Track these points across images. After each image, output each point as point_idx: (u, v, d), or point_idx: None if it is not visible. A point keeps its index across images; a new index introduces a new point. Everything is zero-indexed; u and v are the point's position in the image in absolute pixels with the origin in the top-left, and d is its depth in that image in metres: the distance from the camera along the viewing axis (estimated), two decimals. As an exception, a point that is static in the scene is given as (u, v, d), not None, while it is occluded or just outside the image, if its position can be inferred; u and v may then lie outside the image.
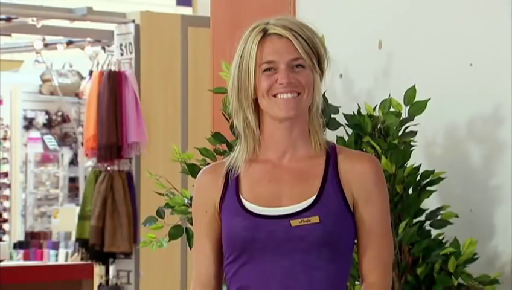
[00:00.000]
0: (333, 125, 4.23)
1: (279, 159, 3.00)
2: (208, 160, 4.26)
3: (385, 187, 3.04)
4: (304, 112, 2.97)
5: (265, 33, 2.94)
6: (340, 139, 4.19)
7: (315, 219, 2.91)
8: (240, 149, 3.01)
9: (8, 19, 9.50)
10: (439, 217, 4.19)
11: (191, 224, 3.54)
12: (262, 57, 2.93)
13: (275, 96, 2.93)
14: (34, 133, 11.04)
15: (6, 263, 7.48)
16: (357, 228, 2.99)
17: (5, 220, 10.81)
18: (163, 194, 4.52)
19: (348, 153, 3.06)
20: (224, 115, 3.89)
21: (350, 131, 4.20)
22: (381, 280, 3.01)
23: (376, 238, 3.01)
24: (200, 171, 3.20)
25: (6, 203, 10.86)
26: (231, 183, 3.00)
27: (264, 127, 2.99)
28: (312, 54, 2.95)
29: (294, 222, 2.91)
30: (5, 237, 10.55)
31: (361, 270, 3.03)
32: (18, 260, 9.06)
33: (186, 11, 11.76)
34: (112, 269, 8.29)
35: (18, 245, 9.95)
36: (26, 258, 9.59)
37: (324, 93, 3.93)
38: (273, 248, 2.93)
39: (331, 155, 3.00)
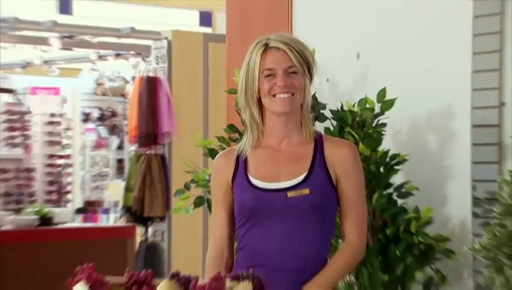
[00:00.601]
0: (322, 118, 4.22)
1: (278, 145, 3.03)
2: (224, 145, 4.25)
3: (361, 167, 3.09)
4: (297, 108, 2.99)
5: (266, 46, 2.95)
6: (327, 129, 4.18)
7: (306, 191, 2.95)
8: (247, 138, 3.04)
9: (70, 37, 9.52)
10: (403, 189, 4.18)
11: (210, 194, 3.52)
12: (264, 65, 2.94)
13: (274, 96, 2.95)
14: (90, 125, 11.05)
15: (69, 225, 7.48)
16: (339, 199, 3.01)
17: (69, 192, 10.82)
18: (189, 172, 4.52)
19: (332, 141, 3.10)
20: (236, 111, 3.86)
21: (335, 123, 4.18)
22: (358, 238, 3.05)
23: (354, 206, 3.03)
24: (217, 155, 3.25)
25: (69, 179, 10.85)
26: (241, 165, 3.03)
27: (266, 120, 3.02)
28: (303, 63, 2.97)
29: (290, 194, 2.95)
30: (69, 205, 10.55)
31: (343, 231, 3.06)
32: (78, 222, 9.07)
33: (207, 30, 11.75)
34: (150, 229, 8.28)
35: (78, 211, 9.95)
36: (84, 221, 9.59)
37: (314, 94, 3.95)
38: (274, 214, 2.96)
39: (318, 142, 3.02)
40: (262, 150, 3.01)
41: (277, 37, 2.97)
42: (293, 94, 2.94)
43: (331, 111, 4.23)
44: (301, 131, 3.02)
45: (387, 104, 4.15)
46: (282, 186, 2.95)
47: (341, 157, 3.00)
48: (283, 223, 2.94)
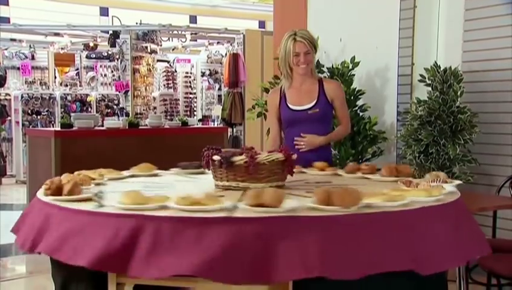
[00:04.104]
0: (321, 72, 4.12)
1: (300, 86, 2.91)
2: (271, 86, 4.18)
3: (344, 95, 2.97)
4: (309, 71, 2.87)
5: (295, 39, 2.83)
6: (324, 77, 4.10)
7: (316, 110, 2.85)
8: (284, 82, 2.93)
9: (196, 33, 9.46)
10: (363, 108, 4.09)
11: (266, 111, 3.47)
12: (294, 50, 2.82)
13: (298, 65, 2.85)
14: (204, 78, 10.82)
15: (196, 126, 7.43)
16: (334, 110, 2.90)
17: (195, 110, 10.74)
18: (254, 99, 4.49)
19: (328, 81, 2.97)
20: (278, 68, 3.79)
21: (328, 74, 4.09)
22: (347, 125, 2.96)
23: (344, 115, 2.93)
24: (270, 91, 3.17)
25: (195, 104, 10.81)
26: (283, 96, 2.92)
27: (293, 74, 2.90)
28: (313, 46, 2.85)
29: (310, 111, 2.85)
30: (195, 116, 10.51)
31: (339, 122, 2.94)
32: (201, 125, 9.11)
33: (262, 29, 11.39)
34: (234, 129, 8.27)
35: (200, 120, 10.01)
36: (203, 124, 9.67)
37: (318, 60, 3.83)
38: (301, 122, 2.86)
39: (321, 83, 2.90)
40: (293, 89, 2.91)
41: (299, 32, 2.84)
42: (307, 64, 2.84)
43: (327, 68, 4.13)
44: (312, 78, 2.91)
45: (355, 65, 4.06)
46: (305, 108, 2.86)
47: (334, 90, 2.90)
48: (305, 127, 2.83)
